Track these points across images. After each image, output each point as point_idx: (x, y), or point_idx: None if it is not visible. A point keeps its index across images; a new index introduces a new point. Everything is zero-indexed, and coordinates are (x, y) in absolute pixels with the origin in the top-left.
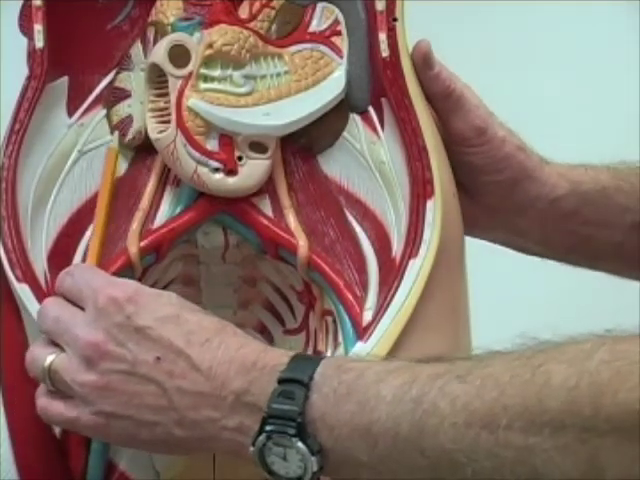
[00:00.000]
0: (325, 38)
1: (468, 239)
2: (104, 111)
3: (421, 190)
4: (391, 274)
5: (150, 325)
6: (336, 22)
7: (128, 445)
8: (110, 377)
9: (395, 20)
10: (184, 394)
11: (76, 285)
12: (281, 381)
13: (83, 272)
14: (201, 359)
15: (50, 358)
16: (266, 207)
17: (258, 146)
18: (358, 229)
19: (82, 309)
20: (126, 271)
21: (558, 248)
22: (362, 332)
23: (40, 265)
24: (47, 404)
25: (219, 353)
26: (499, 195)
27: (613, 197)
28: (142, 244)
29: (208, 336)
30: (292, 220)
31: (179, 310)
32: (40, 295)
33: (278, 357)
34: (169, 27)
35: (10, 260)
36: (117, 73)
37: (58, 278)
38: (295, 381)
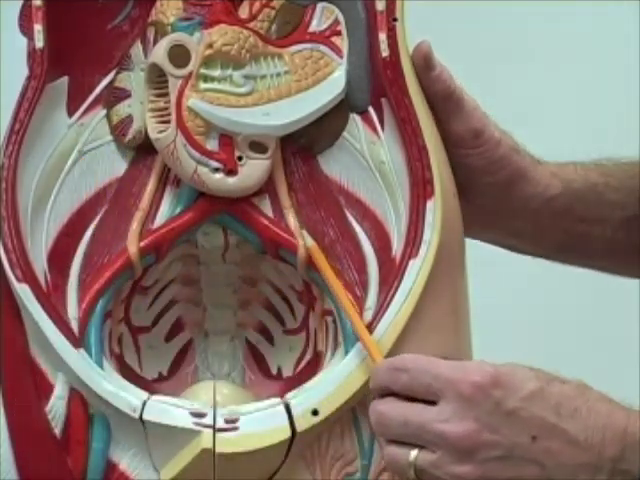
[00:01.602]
0: (325, 38)
1: (468, 241)
2: (104, 111)
3: (421, 190)
4: (391, 274)
5: (520, 406)
6: (336, 22)
7: None
8: (487, 465)
9: (395, 20)
10: (564, 469)
11: (418, 379)
12: None
13: (420, 364)
14: (575, 431)
15: (412, 454)
16: (266, 207)
17: (258, 146)
18: (358, 229)
19: (429, 403)
20: (126, 271)
21: (551, 246)
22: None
23: (40, 265)
24: None
25: (590, 422)
26: (494, 196)
27: (603, 193)
28: (142, 244)
29: (576, 405)
30: (292, 220)
31: (541, 383)
32: (40, 295)
33: None
34: (169, 27)
35: (10, 260)
36: (117, 73)
37: (385, 377)
38: None
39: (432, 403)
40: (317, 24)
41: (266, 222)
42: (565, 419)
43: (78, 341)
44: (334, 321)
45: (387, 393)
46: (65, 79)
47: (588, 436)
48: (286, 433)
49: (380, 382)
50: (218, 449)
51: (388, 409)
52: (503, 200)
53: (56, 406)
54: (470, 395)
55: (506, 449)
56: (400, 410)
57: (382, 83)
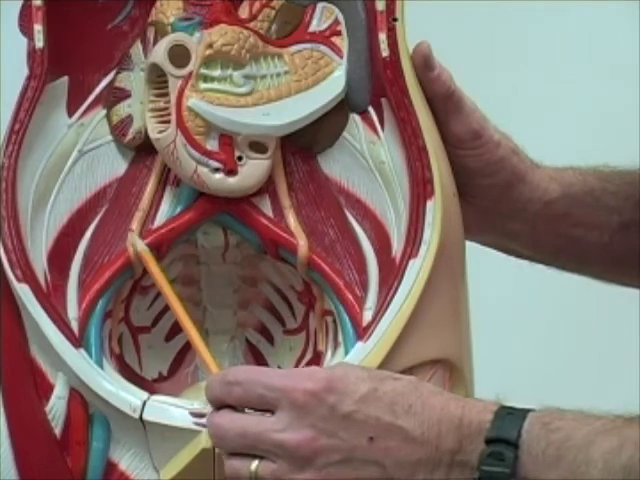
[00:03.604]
0: (325, 38)
1: (468, 243)
2: (104, 111)
3: (421, 190)
4: (391, 274)
5: (355, 409)
6: (336, 22)
7: None
8: (327, 470)
9: (395, 20)
10: (403, 466)
11: (251, 391)
12: (489, 441)
13: (252, 375)
14: (411, 427)
15: (253, 467)
16: (266, 207)
17: (258, 146)
18: (358, 229)
19: (264, 412)
20: (126, 271)
21: (547, 250)
22: (362, 332)
23: (40, 265)
24: None
25: (425, 416)
26: (492, 198)
27: (601, 198)
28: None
29: (410, 401)
30: (292, 220)
31: (373, 384)
32: (40, 295)
33: (481, 412)
34: (169, 27)
35: (10, 260)
36: (117, 73)
37: (219, 391)
38: (503, 441)
39: (269, 413)
40: (317, 24)
41: (266, 222)
42: (401, 416)
43: (78, 341)
44: (334, 321)
45: (223, 405)
46: (65, 79)
47: (424, 431)
48: None
49: (214, 395)
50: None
51: (225, 421)
52: (501, 202)
53: (56, 406)
54: (303, 403)
55: (345, 452)
56: (237, 422)
57: (382, 83)
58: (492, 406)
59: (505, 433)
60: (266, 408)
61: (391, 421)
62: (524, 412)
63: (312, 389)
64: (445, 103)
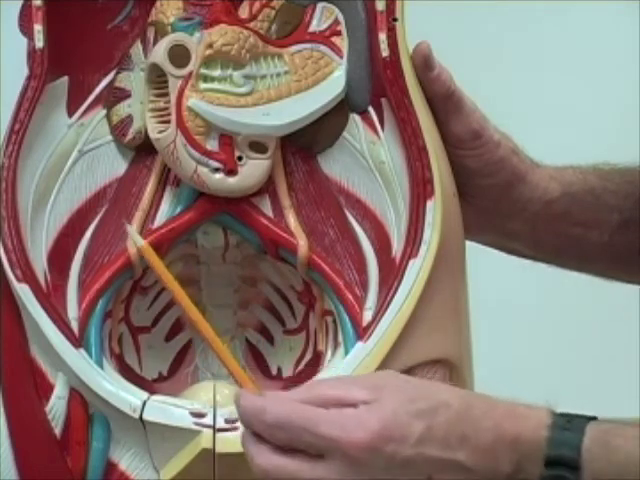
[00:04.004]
0: (325, 38)
1: (468, 243)
2: (104, 111)
3: (421, 190)
4: (391, 274)
5: (413, 453)
6: (336, 22)
7: None
8: None
9: (395, 20)
10: None
11: (296, 438)
12: (548, 462)
13: (295, 420)
14: (466, 458)
15: None
16: (266, 207)
17: (258, 146)
18: (358, 229)
19: (312, 456)
20: (126, 271)
21: (548, 250)
22: (362, 332)
23: (40, 265)
24: None
25: (480, 443)
26: (492, 198)
27: (601, 197)
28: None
29: (462, 430)
30: (292, 220)
31: (426, 420)
32: (40, 295)
33: (537, 428)
34: (169, 27)
35: (10, 260)
36: (117, 73)
37: (257, 428)
38: (563, 462)
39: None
40: (317, 24)
41: (266, 222)
42: (456, 449)
43: (78, 341)
44: (334, 321)
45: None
46: (65, 79)
47: (479, 459)
48: None
49: (252, 429)
50: (218, 449)
51: (271, 466)
52: (501, 202)
53: (56, 406)
54: (359, 457)
55: None
56: (286, 469)
57: (382, 83)
58: (546, 418)
59: (565, 452)
60: (315, 453)
61: (448, 457)
62: (581, 425)
63: (367, 442)
64: (445, 103)
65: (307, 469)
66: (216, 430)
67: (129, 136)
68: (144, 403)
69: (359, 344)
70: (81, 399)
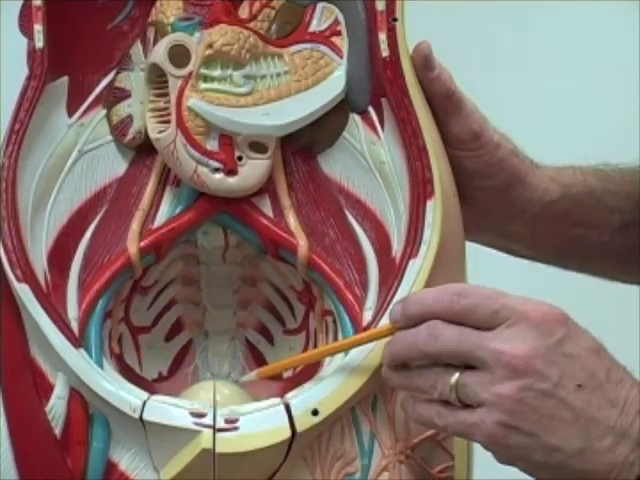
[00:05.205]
0: (325, 38)
1: (468, 243)
2: (104, 111)
3: (421, 190)
4: (391, 274)
5: (578, 353)
6: (336, 22)
7: (515, 462)
8: (527, 393)
9: (395, 20)
10: (597, 425)
11: (483, 306)
12: None
13: (484, 291)
14: (616, 396)
15: (456, 374)
16: (266, 207)
17: (258, 146)
18: (358, 229)
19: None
20: (126, 271)
21: (548, 251)
22: (362, 332)
23: (40, 265)
24: (440, 411)
25: (632, 394)
26: (491, 199)
27: (601, 198)
28: (142, 244)
29: (622, 377)
30: (292, 220)
31: (600, 346)
32: (40, 295)
33: None
34: (169, 27)
35: (10, 260)
36: (117, 73)
37: (444, 300)
38: None
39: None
40: (317, 24)
41: (266, 222)
42: (611, 383)
43: (78, 341)
44: (334, 321)
45: (433, 317)
46: (65, 79)
47: (626, 405)
48: (286, 433)
49: (433, 306)
50: (218, 449)
51: (441, 326)
52: (501, 203)
53: (56, 406)
54: (537, 324)
55: (551, 386)
56: (455, 328)
57: (382, 83)
58: None
59: None
60: (487, 327)
61: (602, 381)
62: None
63: (550, 313)
64: (445, 103)
65: (474, 332)
66: (216, 430)
67: (129, 136)
68: (144, 403)
69: None
70: (81, 399)
